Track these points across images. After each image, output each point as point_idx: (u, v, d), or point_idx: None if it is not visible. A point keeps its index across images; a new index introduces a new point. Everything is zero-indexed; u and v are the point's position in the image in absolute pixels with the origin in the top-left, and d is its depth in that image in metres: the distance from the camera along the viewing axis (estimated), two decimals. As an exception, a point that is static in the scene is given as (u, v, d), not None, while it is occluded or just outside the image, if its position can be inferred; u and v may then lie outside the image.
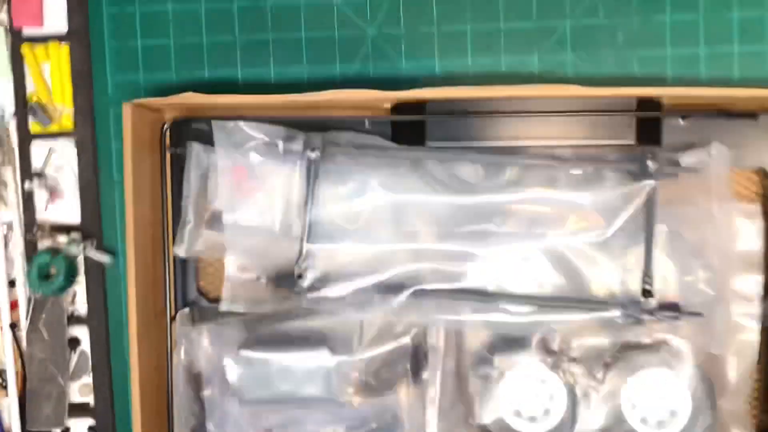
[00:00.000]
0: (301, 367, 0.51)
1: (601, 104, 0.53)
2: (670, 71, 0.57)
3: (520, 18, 0.57)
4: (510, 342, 0.53)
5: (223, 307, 0.52)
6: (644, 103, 0.53)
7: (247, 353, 0.52)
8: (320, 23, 0.58)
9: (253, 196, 0.53)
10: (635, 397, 0.51)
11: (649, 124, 0.53)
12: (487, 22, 0.58)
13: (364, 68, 0.58)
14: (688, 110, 0.53)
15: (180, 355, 0.55)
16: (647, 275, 0.51)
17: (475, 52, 0.58)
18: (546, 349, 0.53)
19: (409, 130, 0.55)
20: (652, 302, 0.51)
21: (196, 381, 0.55)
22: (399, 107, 0.55)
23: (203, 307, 0.57)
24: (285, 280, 0.53)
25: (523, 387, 0.52)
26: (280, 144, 0.53)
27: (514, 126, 0.54)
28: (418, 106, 0.54)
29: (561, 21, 0.57)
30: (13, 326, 0.60)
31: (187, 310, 0.56)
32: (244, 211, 0.53)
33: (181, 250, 0.55)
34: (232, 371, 0.53)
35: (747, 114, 0.52)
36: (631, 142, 0.53)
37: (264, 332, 0.54)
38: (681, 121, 0.53)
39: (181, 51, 0.59)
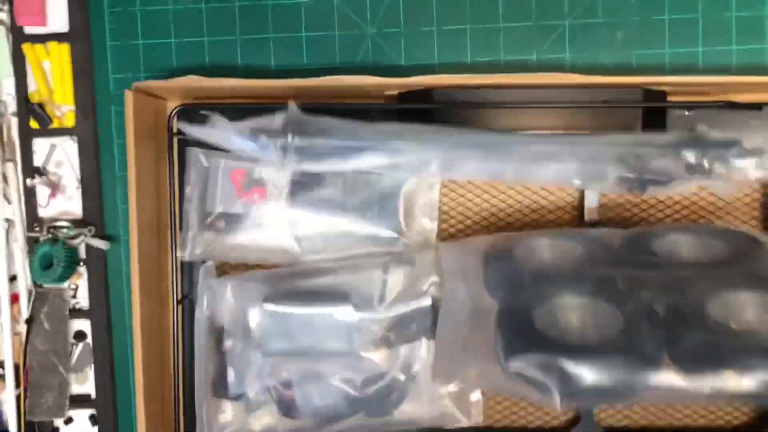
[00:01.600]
0: (324, 321, 0.53)
1: (606, 94, 0.53)
2: (669, 70, 0.57)
3: (520, 18, 0.58)
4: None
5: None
6: (649, 95, 0.54)
7: (271, 306, 0.53)
8: (320, 23, 0.59)
9: (251, 196, 0.55)
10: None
11: (654, 114, 0.54)
12: (486, 21, 0.58)
13: (364, 67, 0.59)
14: (693, 102, 0.54)
15: (202, 307, 0.55)
16: None
17: (475, 51, 0.58)
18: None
19: (416, 119, 0.54)
20: None
21: (216, 334, 0.56)
22: (404, 96, 0.56)
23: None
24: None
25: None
26: (262, 137, 0.51)
27: (519, 115, 0.54)
28: (424, 96, 0.55)
29: (560, 21, 0.57)
30: (31, 321, 0.61)
31: (211, 262, 0.57)
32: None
33: (184, 254, 0.56)
34: (256, 323, 0.54)
35: (751, 105, 0.53)
36: (637, 131, 0.54)
37: (286, 287, 0.55)
38: (686, 112, 0.54)
39: (182, 50, 0.59)
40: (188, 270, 0.58)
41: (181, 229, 0.57)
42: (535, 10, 0.57)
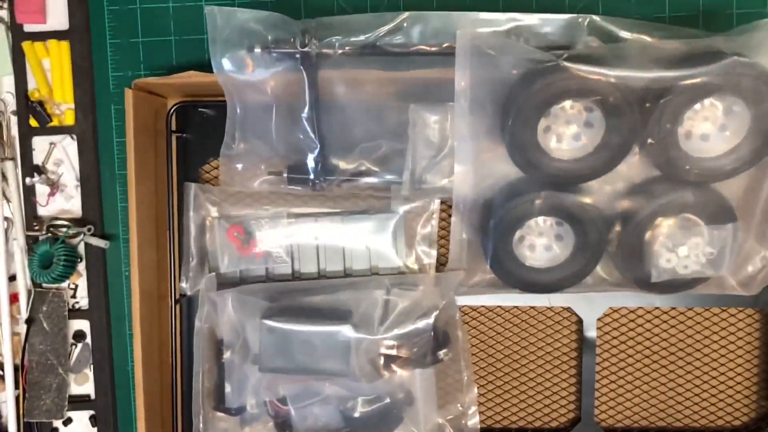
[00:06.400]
0: (322, 340, 0.52)
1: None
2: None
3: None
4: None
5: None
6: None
7: (270, 323, 0.53)
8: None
9: (251, 252, 0.57)
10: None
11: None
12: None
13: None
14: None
15: (202, 318, 0.55)
16: None
17: None
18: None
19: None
20: None
21: (215, 345, 0.56)
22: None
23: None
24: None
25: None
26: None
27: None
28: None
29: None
30: (30, 321, 0.60)
31: (213, 274, 0.57)
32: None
33: (187, 288, 0.57)
34: (254, 339, 0.53)
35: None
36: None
37: (287, 303, 0.55)
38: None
39: (182, 47, 0.59)
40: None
41: (180, 230, 0.57)
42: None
